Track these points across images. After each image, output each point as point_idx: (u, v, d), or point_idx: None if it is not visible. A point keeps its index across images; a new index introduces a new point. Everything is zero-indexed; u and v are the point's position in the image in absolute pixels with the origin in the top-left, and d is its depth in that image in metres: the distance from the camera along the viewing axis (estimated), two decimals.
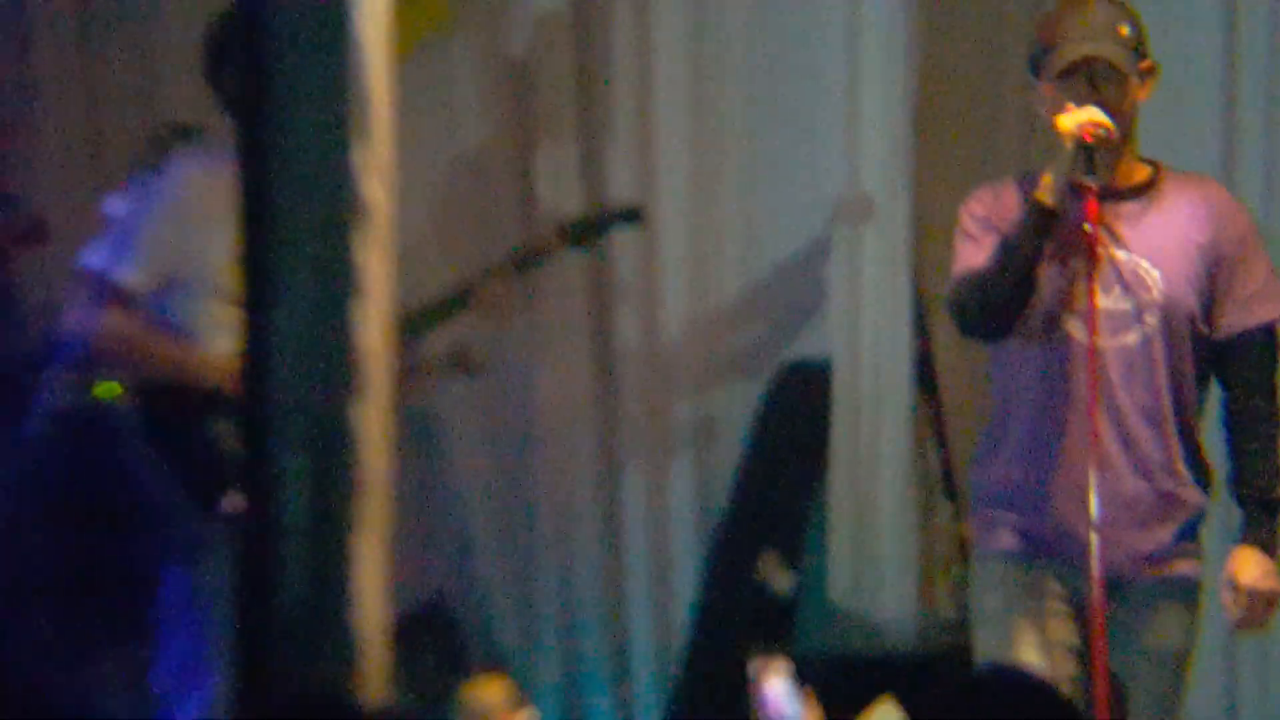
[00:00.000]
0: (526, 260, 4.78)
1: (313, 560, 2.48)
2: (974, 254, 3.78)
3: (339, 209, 2.36)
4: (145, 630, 4.10)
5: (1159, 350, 3.78)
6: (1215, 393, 3.88)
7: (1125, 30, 3.75)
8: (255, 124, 2.34)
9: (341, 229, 2.36)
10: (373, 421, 2.48)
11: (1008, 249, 3.70)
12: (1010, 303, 3.71)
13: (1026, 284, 3.70)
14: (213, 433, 4.04)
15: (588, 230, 4.86)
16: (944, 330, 4.94)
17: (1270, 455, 3.80)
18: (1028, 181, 3.76)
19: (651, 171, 5.28)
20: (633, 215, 4.95)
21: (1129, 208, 3.80)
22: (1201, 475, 3.86)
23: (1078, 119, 3.66)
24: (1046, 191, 3.67)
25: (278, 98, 2.32)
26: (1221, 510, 3.90)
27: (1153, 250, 3.79)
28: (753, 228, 5.27)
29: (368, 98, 2.35)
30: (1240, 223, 3.86)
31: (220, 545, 3.88)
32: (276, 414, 2.45)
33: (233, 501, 3.95)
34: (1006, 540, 3.85)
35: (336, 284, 2.39)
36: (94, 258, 4.11)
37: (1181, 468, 3.82)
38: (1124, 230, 3.78)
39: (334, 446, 2.47)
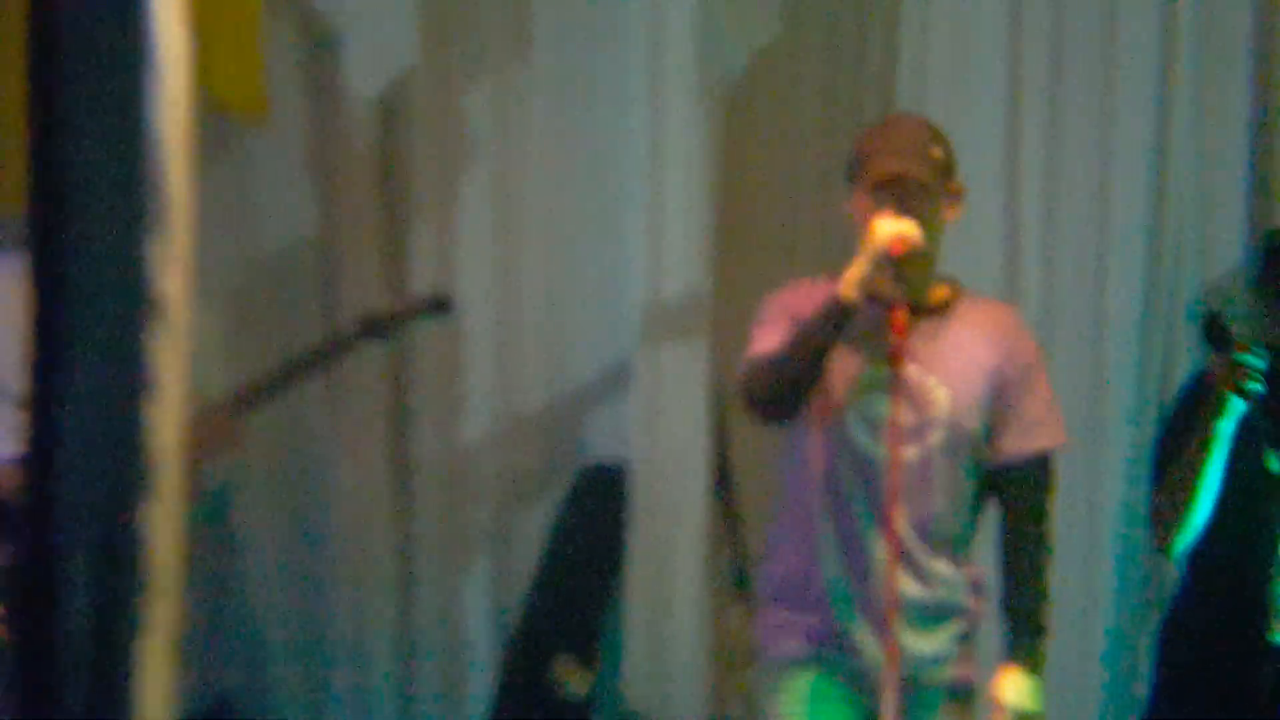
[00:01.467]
0: (331, 352, 4.71)
1: (96, 667, 2.41)
2: (769, 338, 3.83)
3: (132, 303, 2.30)
4: None
5: (938, 467, 3.85)
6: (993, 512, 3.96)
7: (937, 152, 3.85)
8: (48, 216, 2.28)
9: (134, 324, 2.30)
10: (163, 522, 2.41)
11: (802, 334, 3.76)
12: (798, 385, 3.78)
13: (815, 370, 3.76)
14: None
15: (394, 321, 4.79)
16: (741, 432, 4.97)
17: (1038, 579, 3.91)
18: (831, 281, 3.82)
19: (455, 267, 5.25)
20: (441, 305, 4.88)
21: (925, 325, 3.87)
22: (975, 586, 3.92)
23: (891, 231, 3.72)
24: (849, 286, 3.71)
25: (71, 189, 2.26)
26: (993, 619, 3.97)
27: (943, 369, 3.86)
28: (554, 326, 5.26)
29: (165, 190, 2.29)
30: (1028, 350, 3.97)
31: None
32: (61, 515, 2.37)
33: None
34: (791, 643, 3.88)
35: (128, 380, 2.33)
36: None
37: (955, 578, 3.88)
38: (919, 346, 3.84)
39: (121, 548, 2.39)
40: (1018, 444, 3.90)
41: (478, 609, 5.22)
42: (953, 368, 3.87)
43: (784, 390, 3.78)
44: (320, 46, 5.22)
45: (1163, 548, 4.55)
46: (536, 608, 5.11)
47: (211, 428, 4.42)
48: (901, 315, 3.76)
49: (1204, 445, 4.22)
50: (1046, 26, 5.03)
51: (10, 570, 3.79)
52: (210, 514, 5.03)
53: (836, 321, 3.73)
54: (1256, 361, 4.13)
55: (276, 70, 5.12)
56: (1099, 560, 4.97)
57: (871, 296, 3.75)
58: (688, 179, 5.05)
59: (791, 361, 3.75)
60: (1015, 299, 4.87)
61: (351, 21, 5.20)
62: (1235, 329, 4.24)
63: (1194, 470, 4.27)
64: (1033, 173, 5.06)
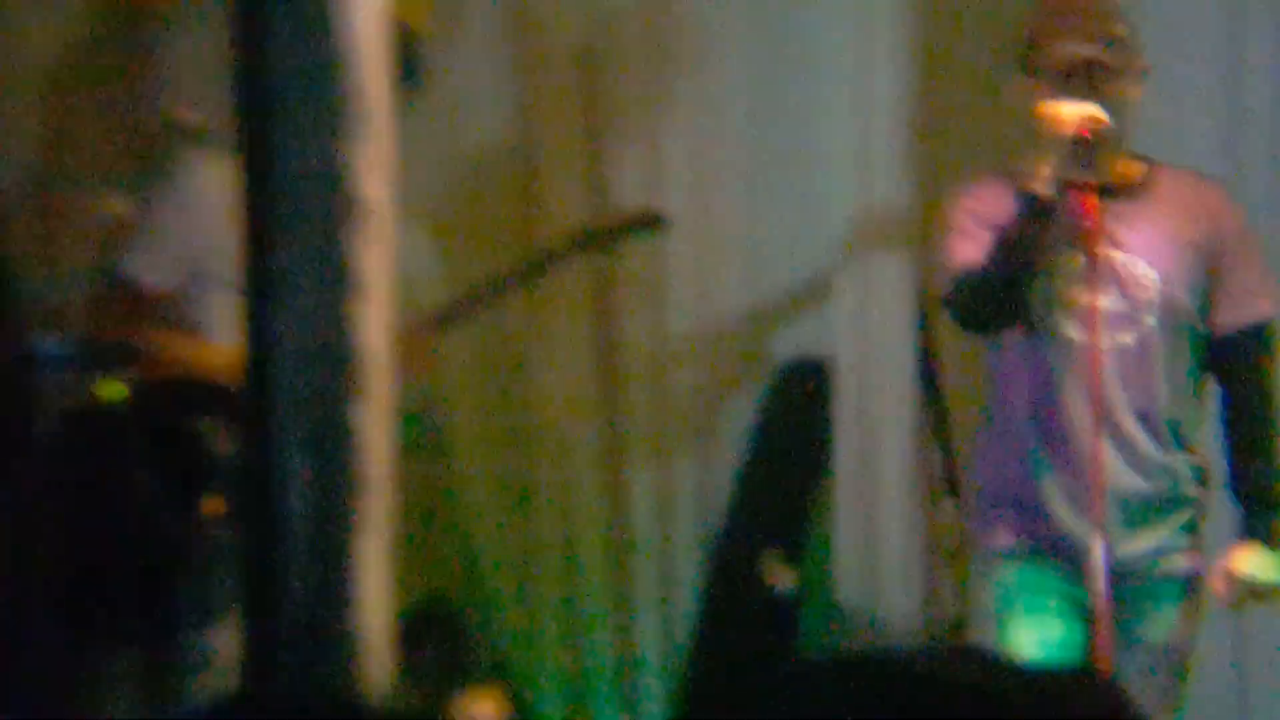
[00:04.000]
0: (542, 264, 4.77)
1: (315, 562, 2.49)
2: (969, 249, 3.78)
3: (337, 207, 2.37)
4: (152, 632, 4.11)
5: (1156, 350, 3.79)
6: (1214, 390, 3.90)
7: (1119, 30, 3.76)
8: (254, 123, 2.35)
9: (339, 227, 2.36)
10: (374, 421, 2.48)
11: (1005, 242, 3.70)
12: (1010, 296, 3.71)
13: (1026, 276, 3.70)
14: (205, 434, 4.05)
15: (606, 235, 4.83)
16: (946, 329, 4.94)
17: (1267, 453, 3.82)
18: (1017, 177, 3.76)
19: (657, 179, 5.28)
20: (652, 221, 4.91)
21: (1123, 207, 3.81)
22: (1200, 473, 3.87)
23: (1076, 115, 3.66)
24: (1042, 183, 3.67)
25: (273, 98, 2.33)
26: (1223, 508, 3.92)
27: (1148, 249, 3.80)
28: (758, 226, 5.27)
29: (364, 97, 2.35)
30: (1234, 220, 3.88)
31: (220, 547, 3.89)
32: (278, 415, 2.45)
33: (211, 505, 3.97)
34: (1006, 539, 3.87)
35: (335, 283, 2.40)
36: (116, 265, 4.16)
37: (1179, 466, 3.83)
38: (1119, 229, 3.79)
39: (335, 447, 2.47)
40: (1233, 316, 3.84)
41: (687, 507, 5.27)
42: (1158, 246, 3.80)
43: (997, 302, 3.72)
44: None
45: None
46: (743, 504, 5.16)
47: (412, 346, 4.52)
48: (1092, 199, 3.71)
49: None
50: None
51: (233, 463, 3.92)
52: (418, 430, 5.13)
53: (1038, 220, 3.66)
54: None
55: None
56: None
57: (1068, 184, 3.70)
58: (890, 85, 5.02)
59: (999, 271, 3.69)
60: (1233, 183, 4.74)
61: None
62: None
63: None
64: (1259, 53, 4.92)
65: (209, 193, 4.10)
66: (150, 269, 4.17)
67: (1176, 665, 3.86)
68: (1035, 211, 3.67)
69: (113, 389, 4.02)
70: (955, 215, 3.87)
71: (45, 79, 5.30)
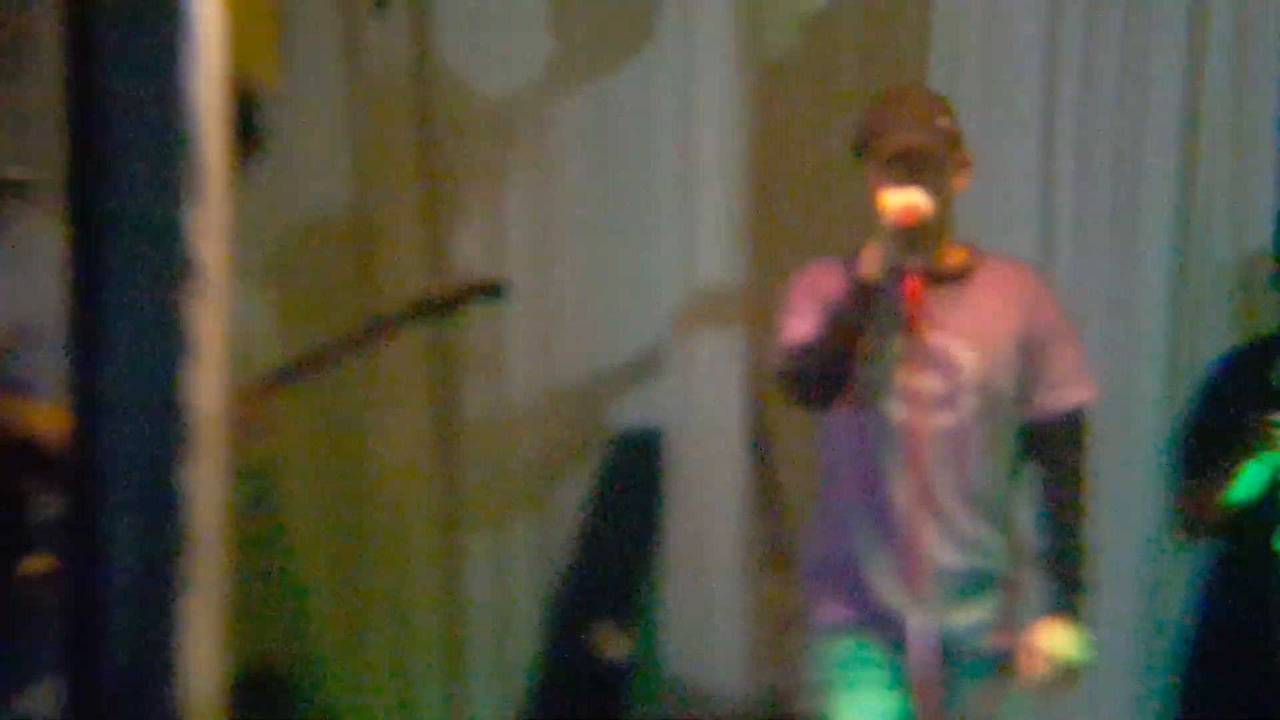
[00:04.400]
0: (380, 330, 4.76)
1: (141, 624, 2.45)
2: (799, 326, 3.87)
3: (170, 267, 2.35)
4: None
5: (974, 432, 3.89)
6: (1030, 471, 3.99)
7: (944, 122, 3.89)
8: (85, 178, 2.33)
9: (172, 287, 2.35)
10: (205, 481, 2.46)
11: (833, 320, 3.79)
12: (836, 373, 3.80)
13: (849, 355, 3.78)
14: (28, 492, 3.99)
15: (447, 302, 4.82)
16: (780, 404, 5.00)
17: (1076, 534, 3.92)
18: (852, 260, 3.85)
19: (497, 246, 5.30)
20: (494, 289, 4.91)
21: (945, 291, 3.90)
22: (1016, 551, 3.96)
23: (902, 202, 3.76)
24: (869, 266, 3.76)
25: (108, 154, 2.31)
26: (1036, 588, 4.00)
27: (968, 333, 3.89)
28: (595, 298, 5.30)
29: (201, 158, 2.34)
30: (1052, 307, 4.00)
31: (42, 607, 3.83)
32: (104, 473, 2.42)
33: (34, 564, 3.90)
34: (834, 612, 3.93)
35: (167, 342, 2.38)
36: None
37: (996, 544, 3.92)
38: (941, 313, 3.88)
39: (163, 507, 2.44)
40: (1050, 400, 3.94)
41: (521, 577, 5.27)
42: (978, 330, 3.90)
43: (821, 377, 3.81)
44: (367, 15, 5.26)
45: (1188, 537, 4.59)
46: (576, 574, 5.17)
47: (248, 407, 4.48)
48: (915, 283, 3.80)
49: (1237, 453, 4.27)
50: None
51: (58, 524, 3.86)
52: (254, 492, 5.09)
53: (863, 301, 3.76)
54: None
55: (317, 38, 5.18)
56: (1126, 538, 4.98)
57: (894, 269, 3.79)
58: (723, 160, 5.09)
59: (825, 347, 3.79)
60: (1049, 270, 4.89)
61: None
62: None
63: (1225, 469, 4.32)
64: (1066, 141, 5.06)
65: (35, 248, 4.04)
66: None
67: None
68: (860, 294, 3.76)
69: None
70: (791, 293, 3.95)
71: None
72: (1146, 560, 5.00)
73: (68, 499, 2.46)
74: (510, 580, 5.29)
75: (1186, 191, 5.01)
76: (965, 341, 3.89)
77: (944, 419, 3.87)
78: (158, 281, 2.35)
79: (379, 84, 5.30)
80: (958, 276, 3.95)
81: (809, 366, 3.82)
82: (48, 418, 3.99)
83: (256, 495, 5.13)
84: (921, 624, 3.71)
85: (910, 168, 3.82)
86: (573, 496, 5.27)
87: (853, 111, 4.00)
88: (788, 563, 5.09)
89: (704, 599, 5.07)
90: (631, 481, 5.20)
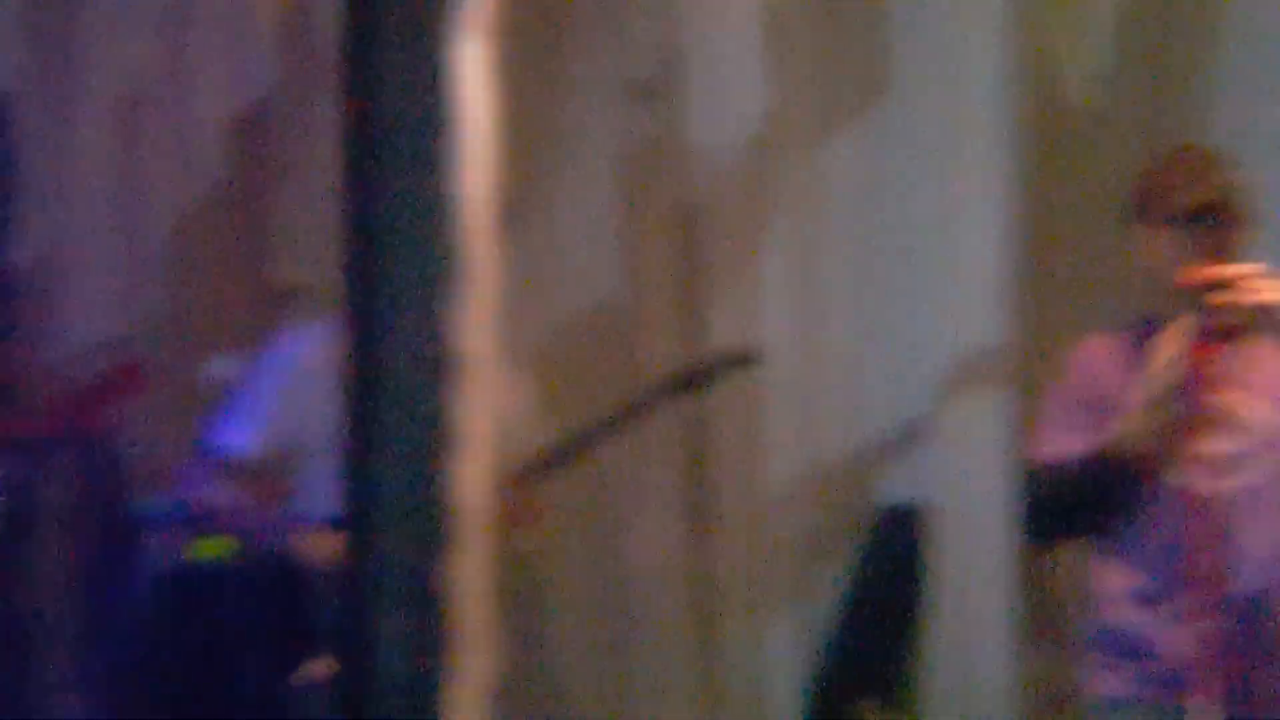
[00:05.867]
0: (637, 411, 4.76)
1: (408, 714, 2.47)
2: (1059, 438, 3.73)
3: (438, 363, 2.36)
4: None
5: (1265, 493, 3.71)
6: None
7: (1237, 179, 3.73)
8: (358, 279, 2.35)
9: (439, 383, 2.36)
10: (470, 576, 2.47)
11: (1103, 468, 3.65)
12: (1096, 511, 3.65)
13: (1118, 496, 3.63)
14: (309, 595, 4.04)
15: (699, 376, 4.81)
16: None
17: None
18: (1138, 332, 3.70)
19: (756, 318, 5.27)
20: (744, 359, 4.89)
21: (1227, 347, 3.73)
22: None
23: (1206, 278, 3.60)
24: (1170, 348, 3.60)
25: (377, 251, 2.34)
26: None
27: (1253, 389, 3.73)
28: (858, 367, 5.24)
29: (468, 251, 2.36)
30: None
31: (321, 707, 3.88)
32: (374, 571, 2.44)
33: (314, 668, 3.95)
34: (1116, 685, 3.79)
35: (433, 437, 2.39)
36: (214, 431, 4.18)
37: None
38: (1224, 370, 3.72)
39: (430, 603, 2.45)
40: None
41: (781, 661, 5.21)
42: (1262, 384, 3.74)
43: (1077, 515, 3.71)
44: (631, 101, 5.29)
45: None
46: (838, 652, 5.10)
47: (517, 496, 4.49)
48: (1209, 347, 3.64)
49: None
50: None
51: (333, 624, 3.91)
52: (522, 579, 5.12)
53: (1130, 469, 3.62)
54: None
55: (586, 119, 5.21)
56: None
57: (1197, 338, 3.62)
58: (987, 230, 4.99)
59: (1087, 489, 3.67)
60: None
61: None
62: None
63: None
64: None
65: (311, 357, 4.11)
66: (246, 436, 4.17)
67: None
68: (1128, 461, 3.61)
69: (210, 547, 4.03)
70: (1060, 384, 3.82)
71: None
72: None
73: (343, 600, 2.48)
74: (769, 665, 5.23)
75: None
76: (1251, 398, 3.73)
77: (1233, 482, 3.71)
78: (425, 377, 2.36)
79: (636, 166, 5.31)
80: (1239, 331, 3.76)
81: (1064, 494, 3.70)
82: (325, 543, 4.05)
83: (522, 585, 5.15)
84: (1207, 697, 3.57)
85: (1209, 226, 3.66)
86: (833, 575, 5.20)
87: (1130, 168, 3.89)
88: (1058, 637, 4.98)
89: (969, 675, 4.97)
90: (894, 557, 5.13)
